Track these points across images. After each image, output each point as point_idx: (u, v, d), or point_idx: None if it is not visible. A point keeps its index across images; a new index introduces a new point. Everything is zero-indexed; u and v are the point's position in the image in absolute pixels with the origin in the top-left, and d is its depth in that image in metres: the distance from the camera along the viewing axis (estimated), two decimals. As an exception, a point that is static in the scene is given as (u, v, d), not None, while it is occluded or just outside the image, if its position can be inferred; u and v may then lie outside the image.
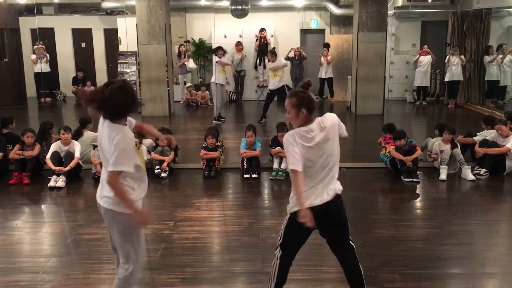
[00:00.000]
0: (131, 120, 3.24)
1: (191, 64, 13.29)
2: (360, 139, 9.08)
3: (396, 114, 11.50)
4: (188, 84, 13.32)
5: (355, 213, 5.41)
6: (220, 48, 10.56)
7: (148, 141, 7.29)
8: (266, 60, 13.44)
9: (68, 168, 6.61)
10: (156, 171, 6.85)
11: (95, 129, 7.73)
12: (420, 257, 4.40)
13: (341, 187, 3.32)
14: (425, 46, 12.89)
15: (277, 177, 6.74)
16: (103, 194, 3.08)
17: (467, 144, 7.45)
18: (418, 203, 6.13)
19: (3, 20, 13.83)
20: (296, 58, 13.03)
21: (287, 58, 12.34)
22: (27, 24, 14.33)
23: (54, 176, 6.53)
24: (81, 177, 6.91)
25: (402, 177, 6.68)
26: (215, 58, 10.45)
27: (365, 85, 11.37)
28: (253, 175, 6.83)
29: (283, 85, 10.58)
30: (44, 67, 13.37)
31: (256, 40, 13.57)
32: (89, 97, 3.08)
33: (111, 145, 2.91)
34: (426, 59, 12.67)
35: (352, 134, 9.18)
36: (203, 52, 13.93)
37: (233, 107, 13.29)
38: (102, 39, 14.77)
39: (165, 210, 5.64)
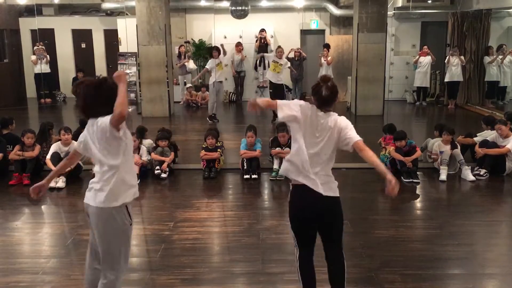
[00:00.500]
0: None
1: (191, 65, 13.29)
2: (360, 140, 9.07)
3: (396, 114, 11.50)
4: (188, 85, 13.32)
5: (355, 213, 5.41)
6: (214, 48, 10.65)
7: (148, 142, 7.30)
8: (266, 61, 13.51)
9: (68, 169, 6.60)
10: (156, 171, 6.85)
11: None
12: (420, 257, 4.40)
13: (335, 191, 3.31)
14: (425, 46, 12.89)
15: (277, 178, 6.74)
16: (95, 194, 3.05)
17: (467, 144, 7.45)
18: (418, 203, 6.13)
19: (3, 21, 13.84)
20: (296, 58, 13.03)
21: (287, 59, 12.33)
22: (27, 25, 14.34)
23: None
24: (81, 177, 6.91)
25: (402, 177, 6.68)
26: (212, 61, 10.51)
27: (365, 85, 11.37)
28: (253, 176, 6.83)
29: (283, 83, 10.62)
30: (44, 67, 13.38)
31: (256, 41, 13.58)
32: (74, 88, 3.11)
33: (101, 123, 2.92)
34: (426, 60, 12.66)
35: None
36: (203, 53, 13.93)
37: (233, 107, 13.29)
38: (102, 39, 14.77)
39: (165, 210, 5.65)
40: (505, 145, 6.82)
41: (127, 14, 13.31)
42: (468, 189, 6.50)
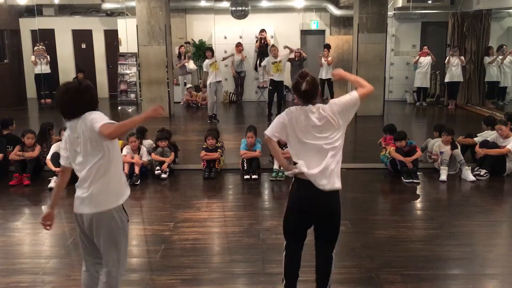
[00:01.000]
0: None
1: (191, 65, 13.29)
2: (360, 140, 9.08)
3: (396, 115, 11.50)
4: (188, 85, 13.32)
5: (355, 214, 5.41)
6: (206, 48, 10.73)
7: (148, 142, 7.30)
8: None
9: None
10: (156, 172, 6.85)
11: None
12: (421, 258, 4.40)
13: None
14: (425, 47, 12.89)
15: (277, 178, 6.74)
16: (90, 200, 2.98)
17: (467, 145, 7.45)
18: (418, 204, 6.13)
19: (3, 22, 13.84)
20: (296, 59, 13.03)
21: (286, 47, 12.30)
22: (27, 25, 14.35)
23: (55, 177, 6.52)
24: (81, 178, 6.91)
25: (402, 178, 6.69)
26: (207, 61, 10.51)
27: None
28: (253, 176, 6.83)
29: (283, 80, 10.64)
30: (44, 68, 13.38)
31: (256, 41, 13.58)
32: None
33: (90, 118, 2.93)
34: (426, 60, 12.67)
35: (352, 135, 9.20)
36: (203, 53, 13.92)
37: (233, 108, 13.29)
38: (102, 40, 14.78)
39: (165, 211, 5.65)
40: (505, 146, 6.82)
41: (127, 15, 13.31)
42: (468, 190, 6.50)
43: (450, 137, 6.91)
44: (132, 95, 13.93)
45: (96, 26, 14.71)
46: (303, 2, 13.41)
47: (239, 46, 13.39)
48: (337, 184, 3.29)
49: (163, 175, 6.85)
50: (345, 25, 14.17)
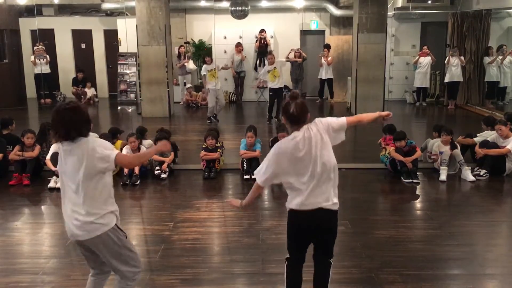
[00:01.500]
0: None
1: (191, 65, 13.29)
2: (360, 140, 9.08)
3: (396, 115, 11.47)
4: (188, 85, 13.32)
5: (355, 214, 5.41)
6: (206, 54, 10.66)
7: (148, 142, 7.29)
8: (266, 63, 13.51)
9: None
10: (156, 172, 6.85)
11: (95, 131, 7.74)
12: (420, 258, 4.40)
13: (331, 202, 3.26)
14: (425, 47, 12.89)
15: (277, 178, 6.73)
16: (89, 223, 2.99)
17: (467, 145, 7.46)
18: (418, 204, 6.13)
19: (3, 21, 13.84)
20: (297, 60, 13.03)
21: (287, 59, 12.33)
22: (27, 25, 14.34)
23: (54, 177, 6.52)
24: (81, 178, 6.90)
25: (402, 178, 6.69)
26: (204, 68, 10.46)
27: (365, 86, 11.38)
28: (253, 176, 6.80)
29: (282, 86, 10.61)
30: (44, 68, 13.38)
31: (256, 41, 13.58)
32: None
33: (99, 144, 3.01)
34: (426, 60, 12.67)
35: (352, 135, 9.19)
36: (203, 53, 13.91)
37: (233, 108, 13.29)
38: (102, 40, 14.77)
39: (165, 211, 5.64)
40: (505, 146, 6.82)
41: (127, 15, 13.31)
42: (468, 190, 6.50)
43: (450, 137, 6.91)
44: (132, 95, 13.93)
45: (96, 26, 14.71)
46: (303, 2, 13.41)
47: (239, 46, 13.39)
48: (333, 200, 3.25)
49: (163, 175, 6.85)
50: (345, 25, 14.17)
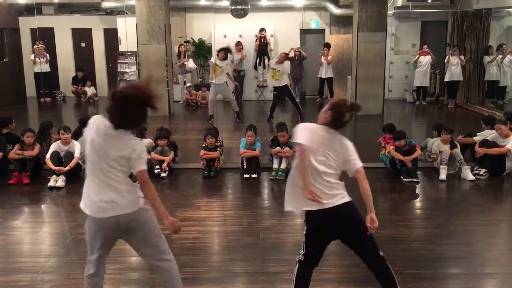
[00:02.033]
0: None
1: (190, 64, 13.29)
2: (359, 139, 9.04)
3: (395, 114, 11.50)
4: (188, 84, 13.32)
5: (355, 213, 5.41)
6: (221, 49, 10.49)
7: (147, 141, 7.29)
8: (266, 60, 13.50)
9: (67, 168, 6.61)
10: (156, 171, 6.85)
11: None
12: (420, 257, 4.40)
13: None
14: (425, 46, 12.89)
15: (277, 177, 6.74)
16: (131, 194, 3.12)
17: (467, 144, 7.46)
18: (417, 203, 6.13)
19: (3, 20, 13.82)
20: (296, 58, 13.04)
21: (287, 58, 12.33)
22: (27, 24, 14.32)
23: (54, 176, 6.53)
24: (80, 177, 6.89)
25: (401, 177, 6.69)
26: (214, 59, 10.43)
27: (365, 85, 11.38)
28: (253, 175, 6.83)
29: (286, 84, 10.54)
30: (44, 67, 13.38)
31: (256, 40, 13.58)
32: None
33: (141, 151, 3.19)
34: (426, 59, 12.67)
35: (352, 134, 9.18)
36: (203, 52, 13.94)
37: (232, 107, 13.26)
38: (102, 39, 14.77)
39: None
40: (505, 145, 6.82)
41: (127, 13, 13.30)
42: (468, 189, 6.50)
43: (450, 136, 6.91)
44: (132, 94, 13.90)
45: (96, 25, 14.70)
46: (303, 1, 13.41)
47: (238, 45, 13.38)
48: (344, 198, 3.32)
49: (163, 174, 6.85)
50: (345, 24, 14.16)
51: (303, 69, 13.39)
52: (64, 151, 6.83)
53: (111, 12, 14.41)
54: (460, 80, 12.47)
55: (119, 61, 13.82)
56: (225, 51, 10.37)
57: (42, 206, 6.09)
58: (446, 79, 12.55)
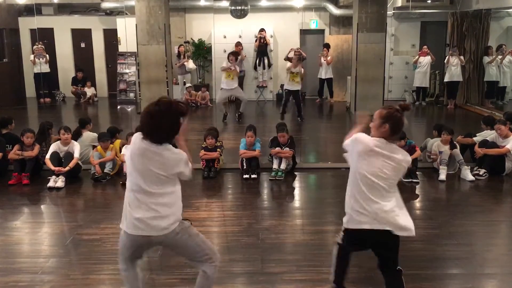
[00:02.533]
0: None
1: (190, 64, 13.29)
2: (359, 140, 9.07)
3: (395, 114, 11.47)
4: (188, 85, 13.32)
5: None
6: (230, 53, 10.50)
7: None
8: (266, 60, 13.51)
9: (67, 168, 6.61)
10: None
11: (94, 130, 7.77)
12: (420, 257, 4.40)
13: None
14: (425, 46, 12.89)
15: (277, 178, 6.74)
16: (165, 218, 3.07)
17: (466, 144, 7.46)
18: (417, 203, 6.13)
19: (2, 20, 13.83)
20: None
21: (287, 59, 12.34)
22: (26, 25, 14.33)
23: (54, 177, 6.52)
24: (80, 177, 6.91)
25: (401, 177, 6.67)
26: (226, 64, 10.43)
27: (365, 85, 11.37)
28: (253, 176, 6.83)
29: (299, 89, 10.60)
30: (43, 67, 13.37)
31: (256, 41, 13.58)
32: None
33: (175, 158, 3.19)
34: (425, 60, 12.67)
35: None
36: (203, 52, 13.94)
37: (233, 107, 13.27)
38: (101, 39, 14.77)
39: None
40: (504, 145, 6.82)
41: (126, 14, 13.30)
42: (468, 189, 6.50)
43: (450, 136, 6.91)
44: (132, 95, 13.91)
45: (96, 25, 14.70)
46: (302, 2, 13.41)
47: (238, 45, 13.37)
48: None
49: (163, 175, 6.83)
50: (344, 24, 14.16)
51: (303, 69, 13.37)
52: (63, 152, 6.83)
53: (111, 12, 14.41)
54: (459, 81, 12.48)
55: (118, 61, 13.83)
56: (233, 54, 10.52)
57: (42, 206, 6.09)
58: (446, 79, 12.56)
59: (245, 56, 13.55)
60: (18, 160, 6.80)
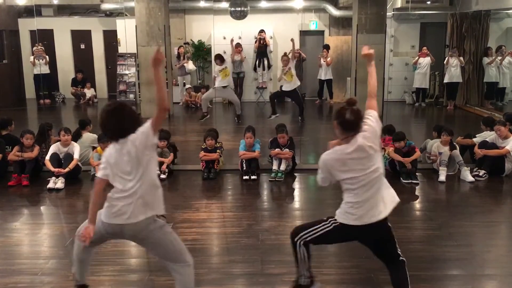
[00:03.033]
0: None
1: (190, 65, 13.29)
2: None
3: (395, 115, 11.49)
4: (188, 86, 13.32)
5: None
6: (216, 57, 10.54)
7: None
8: (266, 62, 13.51)
9: (67, 169, 6.61)
10: (155, 172, 6.84)
11: (94, 131, 7.76)
12: (420, 258, 4.40)
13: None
14: (424, 47, 12.89)
15: (276, 179, 6.74)
16: (146, 210, 3.27)
17: (466, 145, 7.46)
18: (417, 204, 6.13)
19: (2, 22, 13.83)
20: (295, 59, 13.02)
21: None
22: (26, 26, 14.32)
23: (53, 178, 6.52)
24: (80, 178, 6.90)
25: (401, 178, 6.68)
26: (217, 68, 10.43)
27: (365, 86, 11.22)
28: (252, 177, 6.83)
29: (295, 88, 10.59)
30: (43, 68, 13.36)
31: (255, 42, 13.59)
32: None
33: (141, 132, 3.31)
34: (425, 61, 12.67)
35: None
36: (203, 53, 13.94)
37: (232, 108, 13.27)
38: (101, 40, 14.77)
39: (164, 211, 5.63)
40: (504, 146, 6.82)
41: (126, 15, 13.31)
42: (467, 190, 6.50)
43: (449, 137, 6.91)
44: (131, 96, 13.89)
45: (95, 27, 14.70)
46: (302, 3, 13.41)
47: (238, 46, 13.37)
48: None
49: (162, 176, 6.84)
50: (344, 25, 14.16)
51: (303, 70, 13.38)
52: (63, 153, 6.83)
53: (111, 13, 14.41)
54: (459, 82, 12.48)
55: (118, 62, 13.81)
56: (219, 58, 10.45)
57: (42, 207, 6.09)
58: (446, 80, 12.56)
59: (245, 57, 13.56)
60: (17, 162, 6.80)
